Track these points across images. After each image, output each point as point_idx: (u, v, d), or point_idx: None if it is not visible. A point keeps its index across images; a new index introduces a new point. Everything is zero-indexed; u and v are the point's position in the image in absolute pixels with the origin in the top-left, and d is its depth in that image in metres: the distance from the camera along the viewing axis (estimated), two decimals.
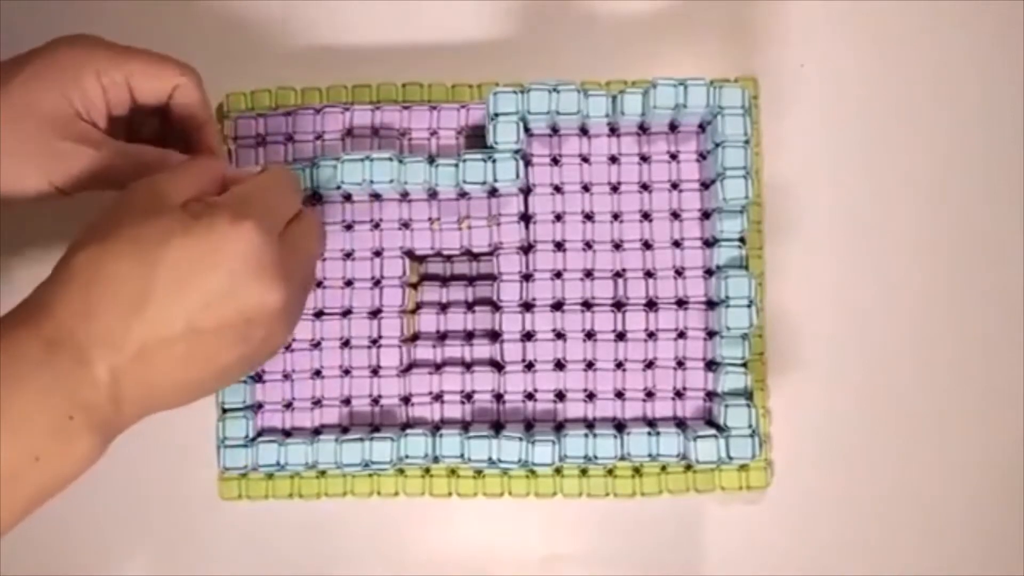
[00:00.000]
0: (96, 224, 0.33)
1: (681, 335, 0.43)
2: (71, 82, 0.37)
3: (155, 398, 0.33)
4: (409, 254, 0.44)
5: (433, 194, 0.43)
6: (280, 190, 0.36)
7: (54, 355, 0.30)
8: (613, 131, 0.44)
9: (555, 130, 0.43)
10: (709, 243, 0.43)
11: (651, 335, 0.43)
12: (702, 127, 0.43)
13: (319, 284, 0.44)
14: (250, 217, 0.32)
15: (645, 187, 0.43)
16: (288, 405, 0.44)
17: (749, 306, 0.40)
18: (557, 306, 0.43)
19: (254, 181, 0.35)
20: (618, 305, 0.43)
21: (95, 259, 0.31)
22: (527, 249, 0.43)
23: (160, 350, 0.31)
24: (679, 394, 0.43)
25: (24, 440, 0.30)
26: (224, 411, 0.43)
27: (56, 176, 0.37)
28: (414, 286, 0.45)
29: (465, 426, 0.42)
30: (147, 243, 0.31)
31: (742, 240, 0.41)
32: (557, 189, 0.43)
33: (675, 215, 0.43)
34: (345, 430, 0.43)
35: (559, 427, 0.42)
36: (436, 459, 0.41)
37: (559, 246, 0.43)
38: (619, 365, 0.43)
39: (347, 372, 0.44)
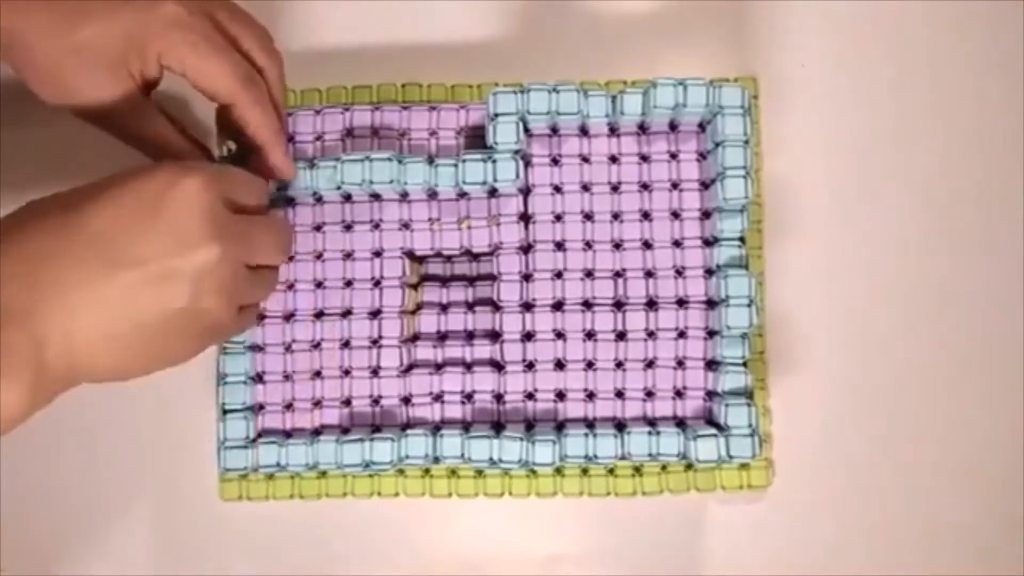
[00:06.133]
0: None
1: (681, 335, 0.43)
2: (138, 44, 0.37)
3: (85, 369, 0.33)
4: (409, 254, 0.44)
5: (433, 194, 0.43)
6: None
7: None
8: (613, 131, 0.44)
9: (555, 130, 0.43)
10: (709, 242, 0.43)
11: (651, 335, 0.43)
12: (702, 127, 0.43)
13: (319, 284, 0.44)
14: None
15: (645, 187, 0.43)
16: (288, 406, 0.44)
17: (749, 305, 0.40)
18: (557, 306, 0.43)
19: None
20: (618, 305, 0.43)
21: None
22: (527, 249, 0.43)
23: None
24: (679, 393, 0.43)
25: None
26: (224, 412, 0.43)
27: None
28: (414, 286, 0.45)
29: (466, 426, 0.42)
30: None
31: (742, 239, 0.41)
32: (557, 189, 0.43)
33: (675, 215, 0.43)
34: (346, 431, 0.43)
35: (559, 427, 0.42)
36: (437, 459, 0.41)
37: (559, 246, 0.43)
38: (619, 365, 0.43)
39: (347, 373, 0.43)
